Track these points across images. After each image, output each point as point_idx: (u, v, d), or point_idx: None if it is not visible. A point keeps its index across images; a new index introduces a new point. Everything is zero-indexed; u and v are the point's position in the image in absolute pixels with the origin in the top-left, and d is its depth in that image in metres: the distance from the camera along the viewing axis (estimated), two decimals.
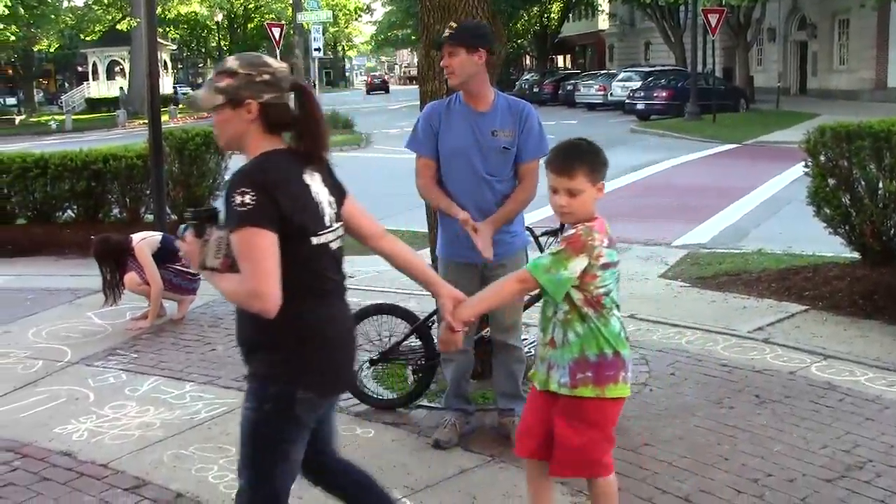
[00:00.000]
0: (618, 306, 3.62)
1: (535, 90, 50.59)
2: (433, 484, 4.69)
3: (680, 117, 32.33)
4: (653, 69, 42.38)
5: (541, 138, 5.00)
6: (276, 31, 31.46)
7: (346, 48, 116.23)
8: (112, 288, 7.96)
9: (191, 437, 5.42)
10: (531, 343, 6.34)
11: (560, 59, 77.33)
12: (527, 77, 58.82)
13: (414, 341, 5.74)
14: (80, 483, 4.87)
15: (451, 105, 5.03)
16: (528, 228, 5.51)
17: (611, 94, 40.64)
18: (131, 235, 8.10)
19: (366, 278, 9.20)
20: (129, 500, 4.65)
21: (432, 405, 5.69)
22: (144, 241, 7.95)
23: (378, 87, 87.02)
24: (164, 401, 6.05)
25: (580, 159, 3.51)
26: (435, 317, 5.66)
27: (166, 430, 5.54)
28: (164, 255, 7.91)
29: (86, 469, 5.03)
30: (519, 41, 63.23)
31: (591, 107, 42.62)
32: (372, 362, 5.87)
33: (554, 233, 5.62)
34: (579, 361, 3.57)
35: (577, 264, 3.44)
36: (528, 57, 75.28)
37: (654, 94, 35.28)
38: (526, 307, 5.48)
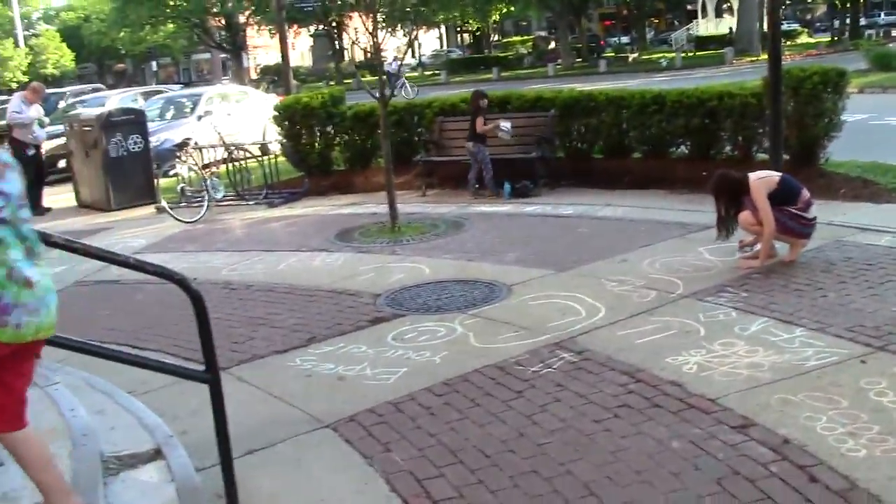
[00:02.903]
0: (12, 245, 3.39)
1: None
2: None
3: None
4: None
5: None
6: None
7: None
8: (725, 224, 8.01)
9: (799, 383, 5.28)
10: None
11: None
12: None
13: None
14: (688, 414, 4.99)
15: None
16: None
17: None
18: (749, 174, 8.05)
19: None
20: (735, 437, 4.66)
21: None
22: (761, 181, 7.85)
23: None
24: (773, 343, 5.96)
25: None
26: None
27: (774, 373, 5.46)
28: (782, 197, 7.76)
29: (694, 402, 5.14)
30: None
31: None
32: None
33: None
34: None
35: None
36: None
37: None
38: None
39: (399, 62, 28.89)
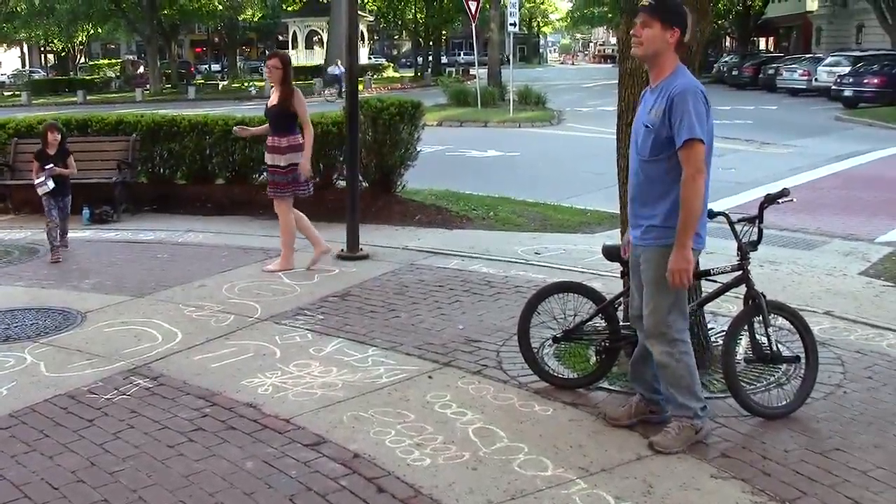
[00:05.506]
0: None
1: (733, 73, 49.01)
2: (609, 468, 4.58)
3: (892, 106, 30.39)
4: (864, 54, 40.09)
5: (686, 123, 4.45)
6: (473, 5, 31.31)
7: (541, 24, 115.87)
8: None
9: (371, 400, 5.49)
10: (717, 332, 6.14)
11: (762, 41, 74.58)
12: (725, 59, 56.98)
13: (599, 322, 5.63)
14: (263, 435, 5.02)
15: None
16: (724, 214, 5.26)
17: (815, 79, 38.75)
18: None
19: (552, 256, 9.13)
20: (308, 455, 4.75)
21: (613, 388, 5.57)
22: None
23: (608, 57, 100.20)
24: (346, 363, 6.15)
25: None
26: (621, 298, 5.54)
27: (347, 391, 5.63)
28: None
29: (269, 422, 5.18)
30: (719, 22, 61.31)
31: (794, 92, 40.86)
32: (555, 340, 5.79)
33: (752, 220, 5.35)
34: None
35: None
36: (727, 38, 73.01)
37: (865, 81, 33.28)
38: (707, 300, 5.29)
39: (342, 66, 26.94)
